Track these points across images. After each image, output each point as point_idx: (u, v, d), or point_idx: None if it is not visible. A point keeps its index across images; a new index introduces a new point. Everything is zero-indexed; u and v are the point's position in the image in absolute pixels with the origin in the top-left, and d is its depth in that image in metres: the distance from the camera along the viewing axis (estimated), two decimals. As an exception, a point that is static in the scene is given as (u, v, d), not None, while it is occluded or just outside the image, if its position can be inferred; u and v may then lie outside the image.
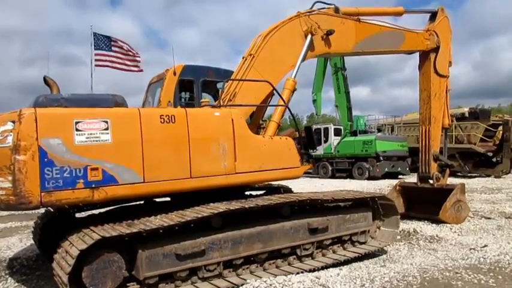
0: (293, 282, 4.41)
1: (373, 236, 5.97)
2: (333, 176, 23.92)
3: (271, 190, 7.43)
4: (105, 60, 16.58)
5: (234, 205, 4.62)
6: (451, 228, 7.58)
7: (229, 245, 4.66)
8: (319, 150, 25.22)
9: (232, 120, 4.88)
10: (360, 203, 5.88)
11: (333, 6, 6.80)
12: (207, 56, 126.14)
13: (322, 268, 5.07)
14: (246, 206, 4.61)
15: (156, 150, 4.36)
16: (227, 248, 4.65)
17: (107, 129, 4.09)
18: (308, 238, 5.25)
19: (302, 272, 4.84)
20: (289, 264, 5.11)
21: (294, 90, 6.20)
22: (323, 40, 6.53)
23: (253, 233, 4.83)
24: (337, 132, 24.76)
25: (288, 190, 7.42)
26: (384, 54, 8.09)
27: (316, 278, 4.60)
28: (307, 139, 6.11)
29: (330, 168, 24.16)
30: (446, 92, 8.66)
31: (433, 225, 7.91)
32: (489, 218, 8.58)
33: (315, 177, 25.40)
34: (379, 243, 5.76)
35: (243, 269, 4.83)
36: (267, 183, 7.34)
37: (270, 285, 4.29)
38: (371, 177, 21.17)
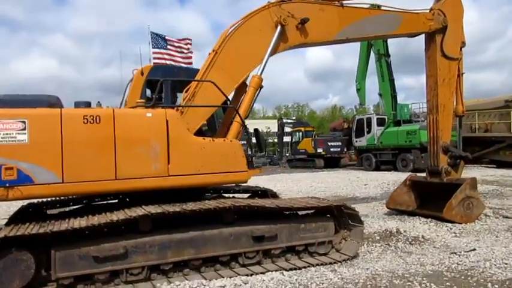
0: (210, 286, 4.24)
1: (338, 248, 5.58)
2: (377, 169, 23.39)
3: (255, 194, 7.35)
4: (161, 58, 18.58)
5: (153, 210, 4.55)
6: (450, 228, 7.01)
7: (156, 249, 4.59)
8: (363, 142, 24.93)
9: (167, 121, 4.92)
10: (319, 212, 5.58)
11: None
12: None
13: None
14: (169, 211, 4.55)
15: (78, 151, 4.49)
16: (153, 252, 4.57)
17: (24, 129, 4.29)
18: (252, 246, 5.03)
19: (236, 276, 4.61)
20: (231, 269, 4.90)
21: (261, 87, 6.09)
22: (298, 30, 6.30)
23: (184, 238, 4.73)
24: (381, 122, 24.33)
25: (273, 195, 7.28)
26: (376, 39, 7.91)
27: (244, 283, 4.38)
28: (256, 141, 5.96)
29: (373, 160, 23.70)
30: (458, 77, 8.09)
31: (430, 224, 7.40)
32: (508, 218, 7.80)
33: (359, 169, 24.82)
34: (340, 256, 5.37)
35: (176, 273, 4.70)
36: (247, 186, 7.35)
37: (183, 288, 4.13)
38: (416, 170, 19.92)
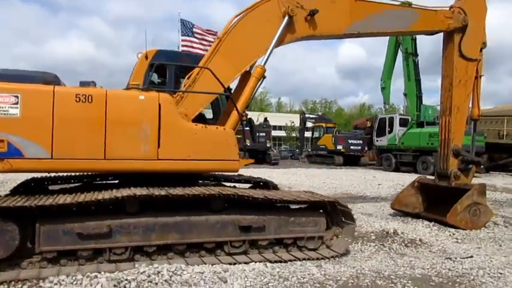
0: (189, 272, 4.26)
1: (329, 244, 5.50)
2: (396, 169, 23.16)
3: (257, 184, 7.36)
4: (190, 46, 19.53)
5: (138, 192, 4.58)
6: (453, 234, 6.82)
7: (140, 231, 4.64)
8: (383, 141, 24.67)
9: (160, 105, 4.93)
10: (311, 207, 5.51)
11: None
12: (304, 43, 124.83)
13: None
14: (155, 194, 4.59)
15: (68, 128, 4.57)
16: (137, 233, 4.63)
17: (16, 103, 4.39)
18: (238, 235, 5.01)
19: (218, 264, 4.63)
20: (215, 257, 4.92)
21: (264, 77, 6.03)
22: (307, 21, 6.20)
23: (169, 222, 4.76)
24: (404, 123, 24.01)
25: (274, 187, 7.29)
26: (389, 35, 7.66)
27: (224, 271, 4.39)
28: (249, 131, 5.91)
29: (393, 160, 23.48)
30: (476, 79, 7.82)
31: (432, 228, 7.23)
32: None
33: (379, 169, 24.59)
34: (329, 253, 5.29)
35: (160, 255, 4.75)
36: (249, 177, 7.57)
37: (158, 272, 4.18)
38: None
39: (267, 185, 7.44)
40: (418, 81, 23.94)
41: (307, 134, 35.34)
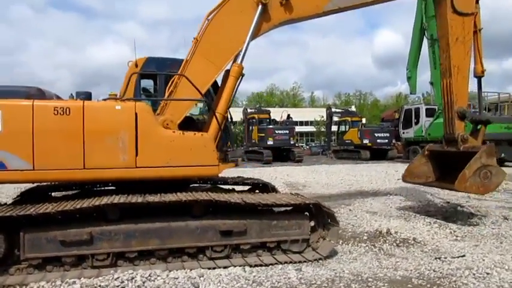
0: (163, 277, 4.40)
1: (315, 247, 5.51)
2: None
3: (256, 186, 7.43)
4: None
5: (114, 199, 4.78)
6: (454, 231, 6.68)
7: (121, 237, 4.82)
8: (410, 133, 24.05)
9: (136, 114, 5.10)
10: (295, 209, 5.52)
11: None
12: (340, 32, 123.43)
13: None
14: (131, 201, 4.78)
15: (48, 140, 4.82)
16: (118, 240, 4.81)
17: (-2, 119, 4.65)
18: (219, 240, 5.12)
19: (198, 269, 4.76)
20: (198, 261, 5.05)
21: (242, 76, 6.02)
22: (282, 6, 6.07)
23: (150, 228, 4.92)
24: (431, 113, 23.19)
25: (273, 188, 7.35)
26: (374, 4, 7.06)
27: (198, 276, 4.51)
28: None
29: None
30: (475, 34, 7.43)
31: (433, 225, 7.11)
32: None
33: (406, 162, 24.07)
34: (313, 256, 5.30)
35: (142, 261, 4.92)
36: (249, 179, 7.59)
37: (132, 278, 4.33)
38: None
39: (265, 186, 7.47)
40: None
41: (335, 129, 34.99)
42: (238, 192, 6.23)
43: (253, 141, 28.47)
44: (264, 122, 29.02)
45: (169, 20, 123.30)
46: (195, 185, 7.03)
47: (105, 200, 4.77)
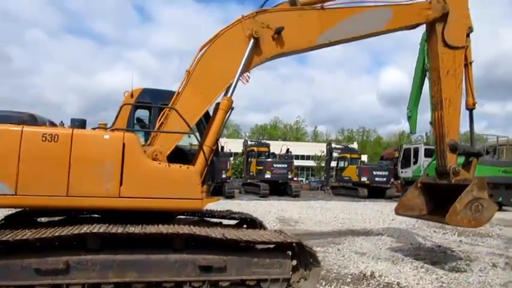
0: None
1: (295, 287, 5.42)
2: None
3: (243, 221, 7.36)
4: None
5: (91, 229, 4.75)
6: (440, 277, 6.55)
7: (98, 268, 4.77)
8: (408, 173, 23.95)
9: (124, 144, 5.15)
10: (277, 247, 5.48)
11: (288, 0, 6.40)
12: (347, 68, 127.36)
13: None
14: (110, 231, 4.75)
15: (33, 166, 4.85)
16: (95, 270, 4.76)
17: (-15, 144, 4.71)
18: (198, 275, 5.06)
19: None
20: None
21: (232, 109, 6.07)
22: (274, 40, 6.17)
23: (128, 260, 4.88)
24: (429, 153, 23.20)
25: (261, 224, 7.28)
26: (365, 38, 7.17)
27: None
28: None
29: None
30: (466, 66, 7.52)
31: (420, 270, 7.01)
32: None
33: None
34: (293, 298, 5.22)
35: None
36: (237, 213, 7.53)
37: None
38: None
39: (253, 222, 7.42)
40: None
41: (334, 165, 34.94)
42: (221, 226, 6.20)
43: (251, 173, 28.46)
44: (263, 155, 29.11)
45: (179, 50, 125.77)
46: (182, 217, 7.00)
47: (84, 229, 4.76)
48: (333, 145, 36.08)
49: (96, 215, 6.73)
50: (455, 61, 7.40)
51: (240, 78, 6.17)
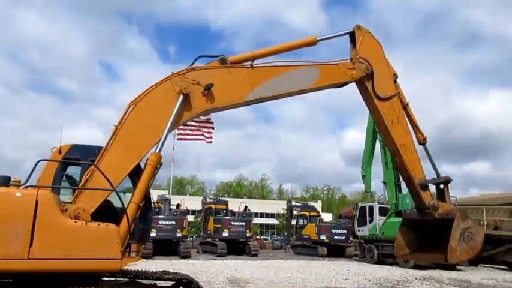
0: None
1: None
2: (379, 261, 22.17)
3: (179, 282, 7.00)
4: (184, 134, 22.74)
5: None
6: None
7: None
8: (365, 231, 23.97)
9: (37, 202, 4.90)
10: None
11: (218, 58, 6.64)
12: (310, 128, 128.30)
13: None
14: None
15: None
16: None
17: None
18: None
19: None
20: None
21: (160, 165, 5.99)
22: (204, 96, 6.29)
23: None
24: (384, 212, 23.50)
25: (198, 286, 6.95)
26: (296, 95, 7.37)
27: None
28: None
29: (375, 251, 22.74)
30: (405, 108, 7.82)
31: None
32: None
33: (362, 261, 23.54)
34: None
35: None
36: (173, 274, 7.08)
37: None
38: (417, 266, 19.08)
39: (190, 283, 7.09)
40: (395, 170, 24.07)
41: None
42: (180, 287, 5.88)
43: (209, 232, 27.73)
44: (221, 212, 28.58)
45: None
46: (111, 278, 6.60)
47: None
48: (293, 203, 36.06)
49: (7, 280, 6.26)
50: (395, 109, 7.72)
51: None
